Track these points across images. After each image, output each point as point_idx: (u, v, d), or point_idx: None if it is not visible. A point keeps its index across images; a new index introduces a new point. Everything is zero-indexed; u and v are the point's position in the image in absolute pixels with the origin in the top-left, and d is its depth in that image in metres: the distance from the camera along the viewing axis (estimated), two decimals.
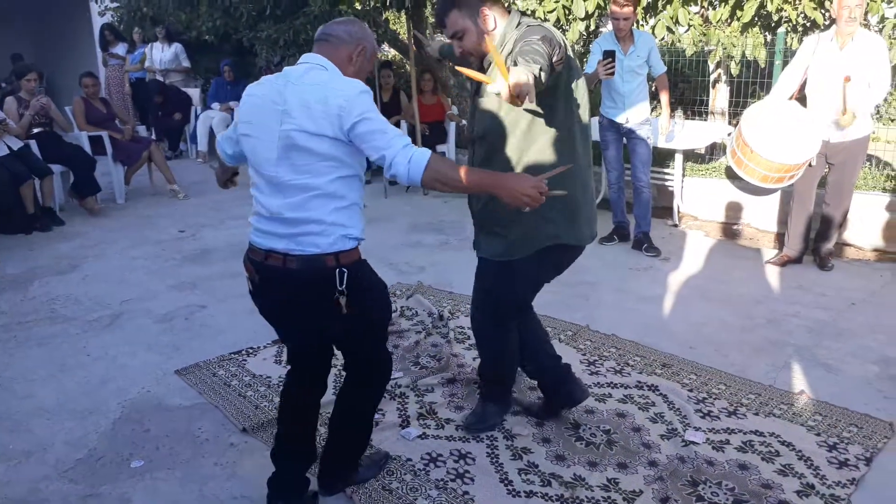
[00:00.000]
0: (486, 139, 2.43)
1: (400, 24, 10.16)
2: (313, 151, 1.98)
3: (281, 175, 2.02)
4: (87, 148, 6.51)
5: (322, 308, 2.08)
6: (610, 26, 4.92)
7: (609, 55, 4.50)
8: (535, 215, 2.22)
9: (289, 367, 2.38)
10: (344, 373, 2.38)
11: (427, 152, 1.97)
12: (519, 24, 2.36)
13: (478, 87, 2.46)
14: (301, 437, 2.37)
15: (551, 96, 2.31)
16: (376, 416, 2.89)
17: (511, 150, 2.39)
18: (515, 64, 2.05)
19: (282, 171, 2.02)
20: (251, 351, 3.53)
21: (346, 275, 2.04)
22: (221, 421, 2.93)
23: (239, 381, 3.24)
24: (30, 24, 13.71)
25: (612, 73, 4.52)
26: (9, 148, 5.69)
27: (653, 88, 5.34)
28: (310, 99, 1.96)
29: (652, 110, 5.10)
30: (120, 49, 9.67)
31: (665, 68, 4.96)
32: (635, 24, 5.50)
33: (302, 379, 2.35)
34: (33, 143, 6.04)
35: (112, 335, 3.78)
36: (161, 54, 9.06)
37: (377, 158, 1.99)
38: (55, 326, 3.91)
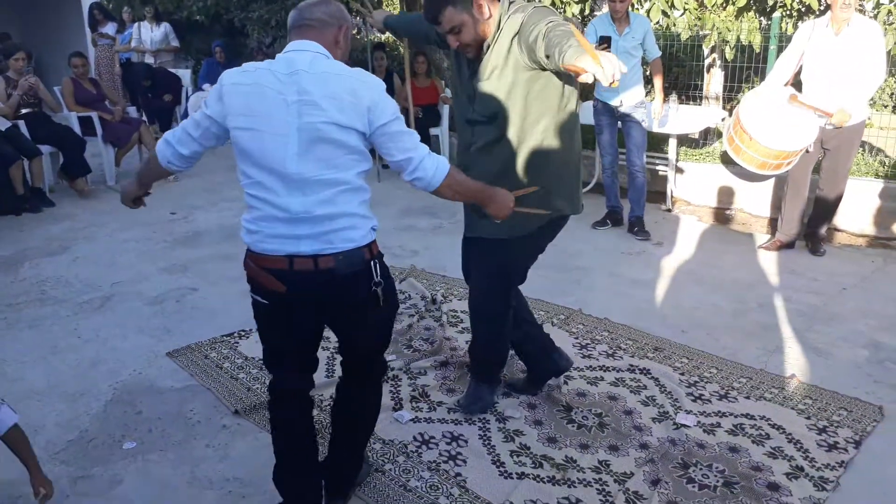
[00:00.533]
0: (496, 122, 2.42)
1: (393, 6, 10.07)
2: (343, 144, 1.87)
3: (305, 171, 1.87)
4: (77, 129, 6.44)
5: (358, 304, 2.00)
6: (606, 8, 4.89)
7: (605, 40, 4.50)
8: (543, 191, 2.41)
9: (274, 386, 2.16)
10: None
11: (447, 161, 2.01)
12: (510, 5, 2.36)
13: (476, 69, 2.43)
14: (307, 464, 2.18)
15: (557, 78, 2.36)
16: None
17: (514, 132, 2.42)
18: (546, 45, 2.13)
19: (307, 166, 1.87)
20: (243, 333, 3.51)
21: (378, 265, 2.00)
22: (213, 403, 2.92)
23: (231, 363, 3.23)
24: (17, 3, 13.52)
25: None
26: None
27: (647, 73, 5.32)
28: (338, 90, 1.85)
29: (646, 94, 5.08)
30: (109, 29, 9.54)
31: (660, 53, 4.94)
32: (630, 7, 5.47)
33: (294, 393, 2.15)
34: (22, 124, 5.97)
35: (103, 317, 3.76)
36: (150, 34, 8.95)
37: (402, 159, 1.94)
38: (45, 308, 3.88)
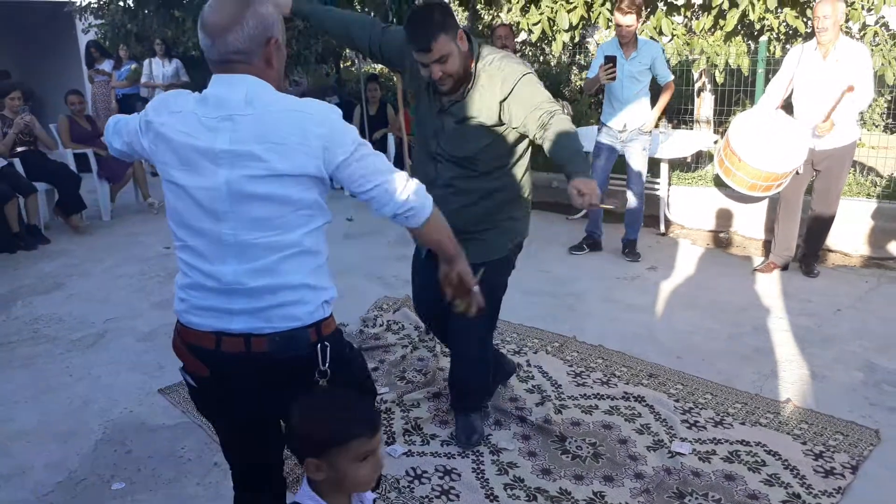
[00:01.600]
0: (465, 163, 2.49)
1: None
2: (288, 200, 1.53)
3: (241, 233, 1.54)
4: (73, 165, 6.48)
5: (295, 396, 1.57)
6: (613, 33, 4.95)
7: (610, 60, 4.54)
8: (509, 218, 2.61)
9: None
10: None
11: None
12: (479, 47, 2.44)
13: (445, 108, 2.45)
14: None
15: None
16: None
17: (482, 173, 2.51)
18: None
19: (236, 227, 1.53)
20: None
21: (328, 350, 1.62)
22: (205, 440, 2.89)
23: None
24: (15, 42, 13.68)
25: (614, 78, 4.56)
26: None
27: None
28: (281, 132, 1.51)
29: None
30: (106, 66, 9.65)
31: (672, 77, 4.91)
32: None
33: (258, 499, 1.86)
34: (17, 162, 6.00)
35: (96, 355, 3.74)
36: (162, 69, 9.03)
37: (377, 185, 1.58)
38: (38, 347, 3.86)
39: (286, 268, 1.57)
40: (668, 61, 6.14)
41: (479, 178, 2.50)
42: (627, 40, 4.73)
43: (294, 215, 1.55)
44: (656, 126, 5.61)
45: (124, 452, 2.84)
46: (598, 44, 8.55)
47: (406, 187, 1.61)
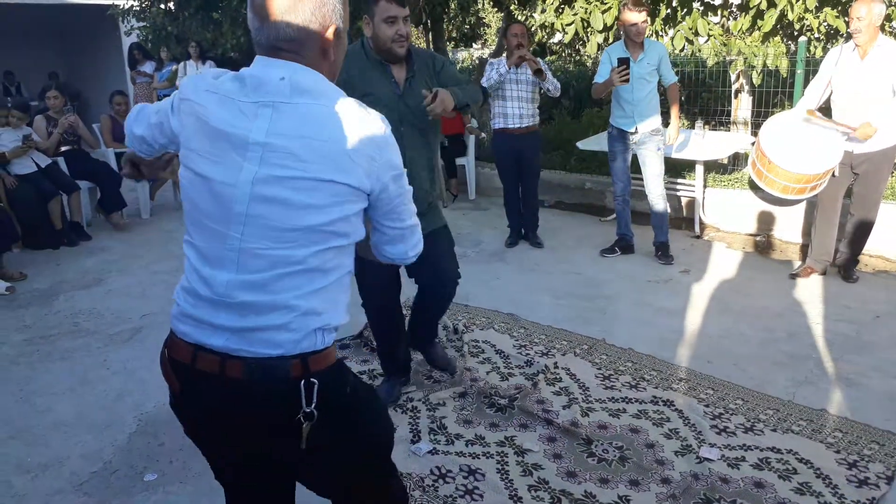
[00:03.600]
0: (431, 130, 2.90)
1: (420, 40, 10.22)
2: (312, 209, 1.32)
3: (243, 239, 1.34)
4: (114, 164, 6.64)
5: (268, 440, 1.42)
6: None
7: (623, 62, 4.51)
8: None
9: None
10: None
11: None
12: None
13: (411, 83, 2.79)
14: None
15: None
16: None
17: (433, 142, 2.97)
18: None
19: (246, 232, 1.33)
20: None
21: (315, 388, 1.35)
22: None
23: None
24: (62, 44, 14.10)
25: (627, 80, 4.52)
26: (36, 165, 5.82)
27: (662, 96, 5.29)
28: (326, 129, 1.32)
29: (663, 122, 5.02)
30: (148, 67, 9.89)
31: (676, 78, 4.89)
32: (654, 35, 5.45)
33: None
34: (61, 161, 6.18)
35: (132, 349, 3.84)
36: (196, 72, 9.23)
37: (410, 225, 1.50)
38: (77, 340, 3.98)
39: (283, 285, 1.34)
40: (704, 61, 6.09)
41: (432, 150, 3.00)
42: (640, 39, 4.68)
43: (315, 231, 1.34)
44: (692, 127, 5.54)
45: (157, 445, 2.90)
46: None
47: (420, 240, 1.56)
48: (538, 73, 4.87)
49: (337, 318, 1.42)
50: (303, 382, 1.35)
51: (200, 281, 1.38)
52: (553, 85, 5.04)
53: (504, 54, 5.01)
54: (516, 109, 5.14)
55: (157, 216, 6.85)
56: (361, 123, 1.36)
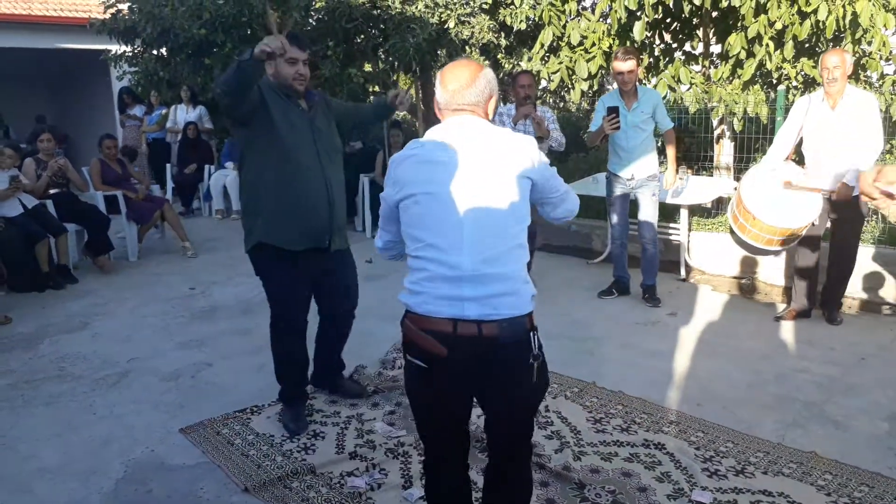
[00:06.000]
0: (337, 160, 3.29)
1: (412, 89, 10.39)
2: (523, 192, 1.94)
3: (476, 224, 1.89)
4: (102, 207, 6.65)
5: (514, 376, 1.93)
6: (616, 84, 5.03)
7: (613, 111, 4.62)
8: None
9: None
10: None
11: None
12: None
13: (310, 123, 3.14)
14: None
15: None
16: (378, 476, 2.88)
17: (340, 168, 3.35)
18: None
19: (475, 219, 1.89)
20: (255, 409, 3.52)
21: (536, 338, 1.93)
22: (224, 480, 2.91)
23: (242, 439, 3.23)
24: (54, 88, 14.20)
25: (618, 127, 4.63)
26: (24, 206, 5.82)
27: (660, 144, 5.41)
28: (512, 145, 1.96)
29: (660, 165, 5.13)
30: (137, 111, 9.97)
31: (672, 124, 4.99)
32: (638, 82, 5.59)
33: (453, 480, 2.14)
34: (49, 202, 6.18)
35: (119, 394, 3.79)
36: (185, 116, 9.30)
37: (562, 193, 2.11)
38: (63, 385, 3.93)
39: (511, 258, 1.89)
40: (687, 108, 6.24)
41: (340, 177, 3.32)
42: (629, 87, 4.78)
43: (523, 212, 1.93)
44: (677, 171, 5.63)
45: (144, 492, 2.86)
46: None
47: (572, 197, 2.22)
48: (539, 139, 4.90)
49: (534, 289, 1.97)
50: (532, 333, 1.91)
51: (445, 267, 1.88)
52: (557, 142, 5.00)
53: (512, 102, 5.07)
54: None
55: (145, 259, 6.83)
56: (524, 139, 2.04)
